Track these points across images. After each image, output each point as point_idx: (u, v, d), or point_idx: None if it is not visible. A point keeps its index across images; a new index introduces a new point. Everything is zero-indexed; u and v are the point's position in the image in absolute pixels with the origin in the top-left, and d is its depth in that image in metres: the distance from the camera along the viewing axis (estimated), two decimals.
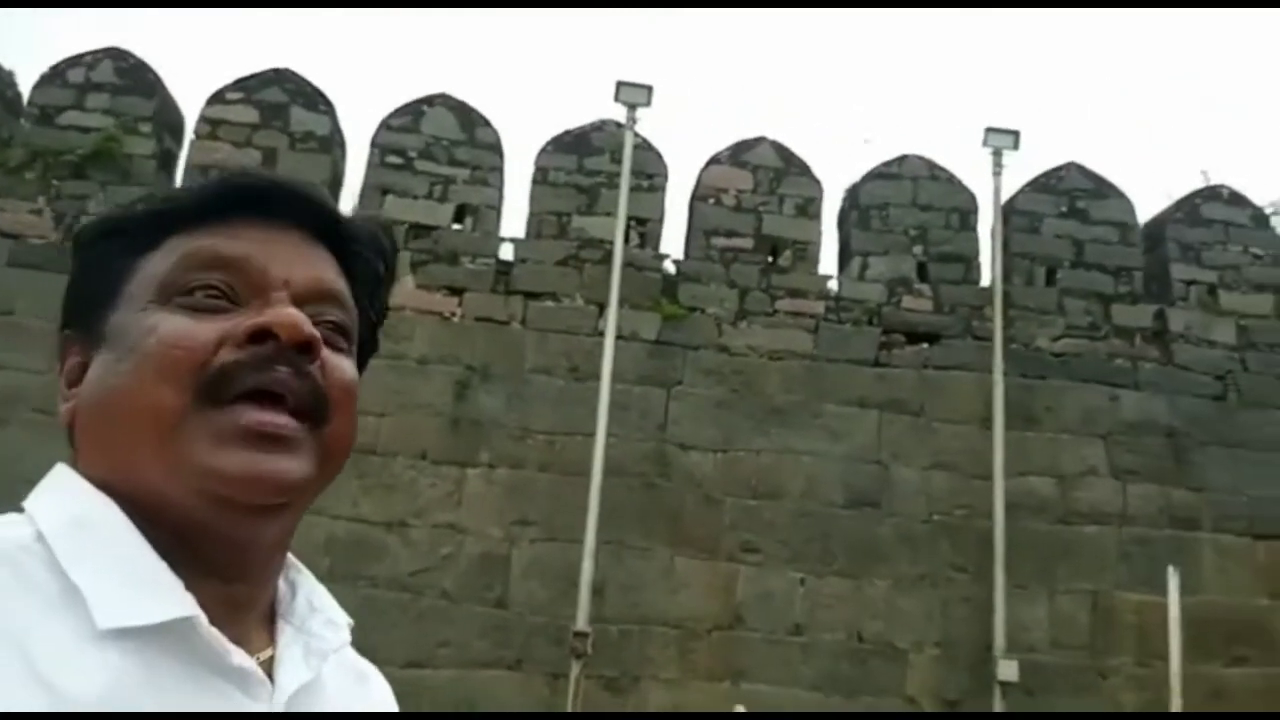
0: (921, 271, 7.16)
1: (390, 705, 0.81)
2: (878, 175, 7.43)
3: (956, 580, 6.47)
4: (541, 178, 7.12)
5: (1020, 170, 7.54)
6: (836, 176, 7.65)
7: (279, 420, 0.64)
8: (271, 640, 0.68)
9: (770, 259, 7.09)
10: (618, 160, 7.02)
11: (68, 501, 0.64)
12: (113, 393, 0.65)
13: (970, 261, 7.24)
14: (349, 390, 0.69)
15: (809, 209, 7.21)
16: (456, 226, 6.96)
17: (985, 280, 7.17)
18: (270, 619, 0.70)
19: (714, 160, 7.30)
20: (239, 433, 0.63)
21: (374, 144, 7.10)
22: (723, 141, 7.44)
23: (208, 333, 0.65)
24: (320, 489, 0.68)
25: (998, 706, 6.16)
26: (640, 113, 7.01)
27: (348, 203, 6.75)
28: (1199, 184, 7.82)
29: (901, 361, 6.90)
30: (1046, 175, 7.58)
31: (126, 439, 0.64)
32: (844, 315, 6.96)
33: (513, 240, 6.98)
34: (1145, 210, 7.69)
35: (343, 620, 0.75)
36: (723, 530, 6.42)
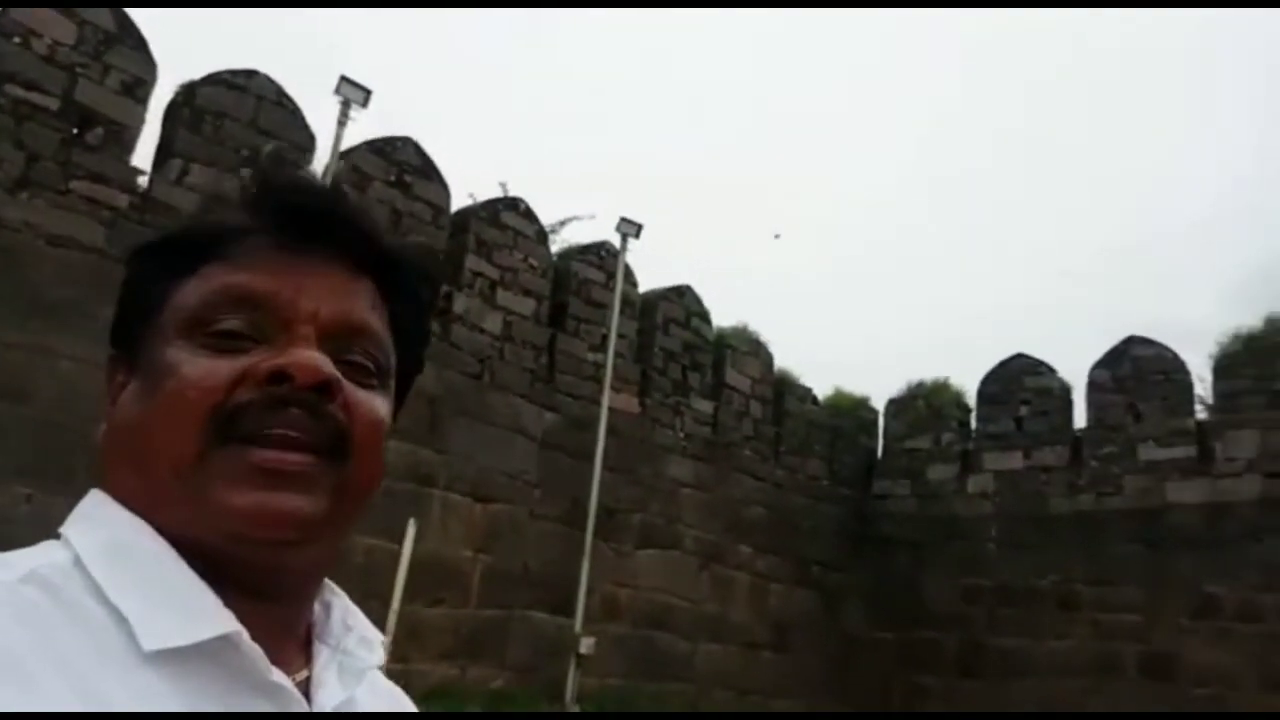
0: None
1: None
2: (221, 81, 6.95)
3: None
4: None
5: (366, 128, 7.73)
6: (171, 62, 6.87)
7: (287, 457, 0.63)
8: (308, 662, 0.69)
9: (76, 131, 6.13)
10: None
11: (104, 526, 0.64)
12: (137, 429, 0.65)
13: None
14: (374, 427, 0.68)
15: (137, 90, 6.42)
16: None
17: None
18: (307, 642, 0.71)
19: None
20: (248, 470, 0.63)
21: None
22: None
23: (225, 373, 0.64)
24: (347, 522, 0.68)
25: None
26: None
27: None
28: (498, 192, 8.94)
29: None
30: (385, 141, 7.91)
31: (147, 478, 0.64)
32: (148, 218, 6.35)
33: None
34: (458, 200, 8.52)
35: (376, 638, 0.76)
36: None
